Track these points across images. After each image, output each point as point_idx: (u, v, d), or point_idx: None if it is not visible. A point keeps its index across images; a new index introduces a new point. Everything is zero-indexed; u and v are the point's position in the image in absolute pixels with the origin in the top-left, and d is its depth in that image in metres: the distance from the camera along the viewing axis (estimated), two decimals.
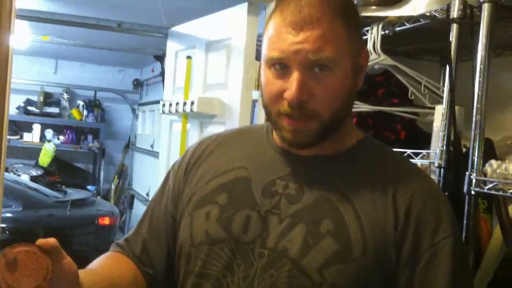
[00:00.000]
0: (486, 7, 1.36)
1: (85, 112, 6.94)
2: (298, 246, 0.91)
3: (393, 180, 0.95)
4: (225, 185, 1.02)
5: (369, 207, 0.93)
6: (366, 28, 1.76)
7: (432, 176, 1.53)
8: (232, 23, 2.64)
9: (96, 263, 1.07)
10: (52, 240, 0.82)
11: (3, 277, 0.79)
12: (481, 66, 1.37)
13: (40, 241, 0.82)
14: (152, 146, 5.84)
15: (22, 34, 4.79)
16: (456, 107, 1.51)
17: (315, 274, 0.89)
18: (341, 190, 0.94)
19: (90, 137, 6.96)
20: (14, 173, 6.06)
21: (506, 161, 1.36)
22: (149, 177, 5.57)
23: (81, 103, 6.99)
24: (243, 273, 0.93)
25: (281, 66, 0.91)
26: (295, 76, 0.89)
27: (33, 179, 6.01)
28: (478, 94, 1.37)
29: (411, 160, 1.57)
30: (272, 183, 0.98)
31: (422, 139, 1.80)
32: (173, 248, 1.07)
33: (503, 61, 1.87)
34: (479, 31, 1.38)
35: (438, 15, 1.53)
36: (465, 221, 1.37)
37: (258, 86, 2.44)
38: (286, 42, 0.89)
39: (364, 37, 1.75)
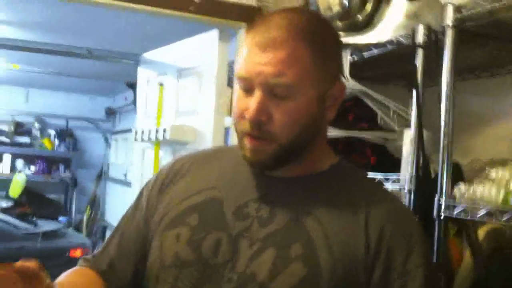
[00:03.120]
0: (449, 32, 1.38)
1: (56, 142, 6.84)
2: (267, 270, 0.89)
3: (365, 205, 0.94)
4: (197, 206, 1.00)
5: (340, 231, 0.92)
6: None
7: (403, 201, 1.53)
8: (203, 50, 2.64)
9: (64, 280, 1.04)
10: (31, 264, 0.79)
11: None
12: (447, 91, 1.38)
13: (19, 265, 0.78)
14: (125, 175, 5.75)
15: None
16: (424, 131, 1.51)
17: None
18: (313, 213, 0.93)
19: (61, 167, 6.83)
20: None
21: (474, 184, 1.36)
22: (122, 208, 5.37)
23: (52, 132, 6.88)
24: None
25: (246, 86, 0.92)
26: (256, 96, 0.91)
27: (3, 210, 5.87)
28: (444, 118, 1.38)
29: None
30: (245, 205, 0.97)
31: (392, 164, 1.80)
32: (142, 266, 1.05)
33: (470, 85, 1.89)
34: (443, 55, 1.39)
35: (404, 41, 1.55)
36: (435, 246, 1.36)
37: (231, 113, 2.42)
38: (251, 62, 0.91)
39: None
